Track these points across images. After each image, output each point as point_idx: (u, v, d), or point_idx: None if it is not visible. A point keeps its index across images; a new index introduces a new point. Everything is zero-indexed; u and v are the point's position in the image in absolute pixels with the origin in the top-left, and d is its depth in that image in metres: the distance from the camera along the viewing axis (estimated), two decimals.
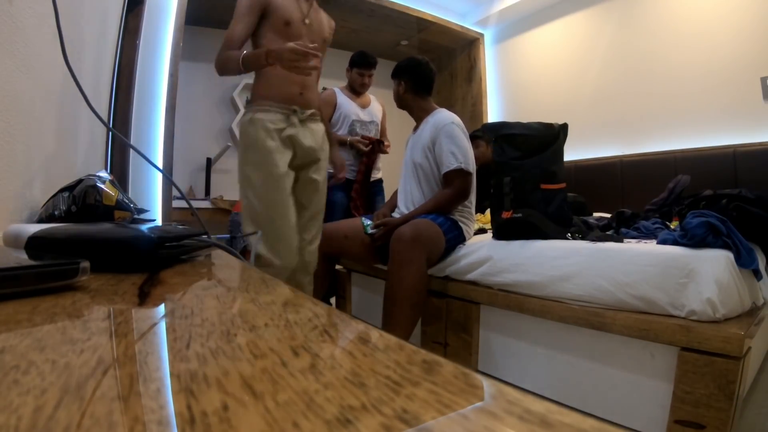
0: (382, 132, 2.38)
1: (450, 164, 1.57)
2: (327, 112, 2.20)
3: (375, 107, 2.34)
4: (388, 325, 1.44)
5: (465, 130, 1.66)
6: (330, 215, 2.20)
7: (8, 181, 0.64)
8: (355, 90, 2.29)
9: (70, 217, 0.68)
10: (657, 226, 1.48)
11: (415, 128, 1.78)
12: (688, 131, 2.59)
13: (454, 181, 1.59)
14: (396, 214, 1.77)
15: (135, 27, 2.23)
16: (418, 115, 1.74)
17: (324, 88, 2.37)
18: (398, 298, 1.42)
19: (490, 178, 1.61)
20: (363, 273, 2.02)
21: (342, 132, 2.24)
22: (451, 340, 1.58)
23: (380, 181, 2.38)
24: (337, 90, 2.30)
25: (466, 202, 1.66)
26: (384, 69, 4.19)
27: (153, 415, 0.12)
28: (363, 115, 2.25)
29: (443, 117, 1.66)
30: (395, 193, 1.88)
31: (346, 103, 2.25)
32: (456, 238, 1.60)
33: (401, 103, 1.77)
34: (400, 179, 1.83)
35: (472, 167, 1.61)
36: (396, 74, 1.76)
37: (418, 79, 1.73)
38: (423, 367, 0.16)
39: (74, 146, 1.12)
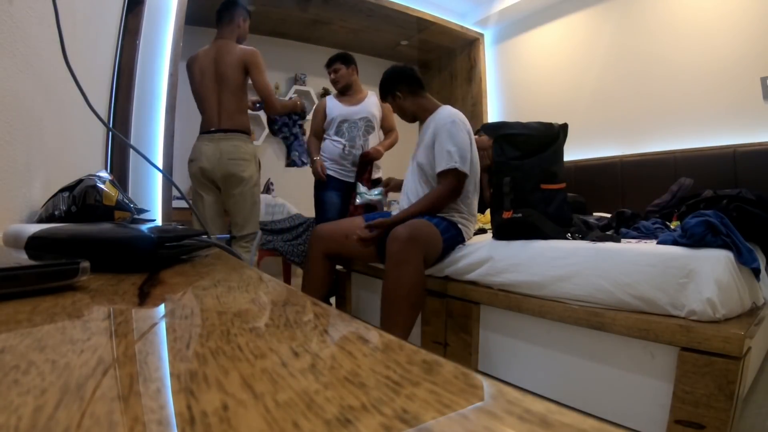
0: (388, 126, 2.39)
1: (445, 163, 1.55)
2: (319, 119, 2.35)
3: (369, 103, 2.34)
4: (386, 326, 1.43)
5: (468, 127, 1.64)
6: (323, 214, 2.22)
7: (8, 181, 0.64)
8: (341, 91, 2.35)
9: (70, 217, 0.68)
10: (657, 226, 1.49)
11: (420, 128, 1.78)
12: (688, 131, 2.59)
13: (447, 180, 1.57)
14: (396, 211, 1.77)
15: (135, 27, 2.23)
16: (423, 116, 1.73)
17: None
18: (396, 298, 1.42)
19: (490, 177, 1.61)
20: (363, 273, 2.02)
21: (332, 132, 2.30)
22: (451, 340, 1.58)
23: (380, 180, 2.38)
24: (328, 97, 2.39)
25: (465, 203, 1.65)
26: (383, 69, 4.22)
27: (153, 415, 0.12)
28: (350, 114, 2.28)
29: (445, 114, 1.64)
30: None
31: (333, 107, 2.32)
32: (454, 238, 1.60)
33: (406, 113, 1.75)
34: (406, 176, 1.82)
35: (468, 167, 1.58)
36: (387, 91, 1.73)
37: (408, 80, 1.73)
38: (423, 367, 0.16)
39: (74, 146, 1.12)
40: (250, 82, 1.90)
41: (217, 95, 1.84)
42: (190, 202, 2.11)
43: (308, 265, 1.78)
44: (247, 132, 1.89)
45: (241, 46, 1.88)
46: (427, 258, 1.51)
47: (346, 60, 2.31)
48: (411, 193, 1.71)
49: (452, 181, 1.56)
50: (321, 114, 2.34)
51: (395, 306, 1.42)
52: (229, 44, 1.86)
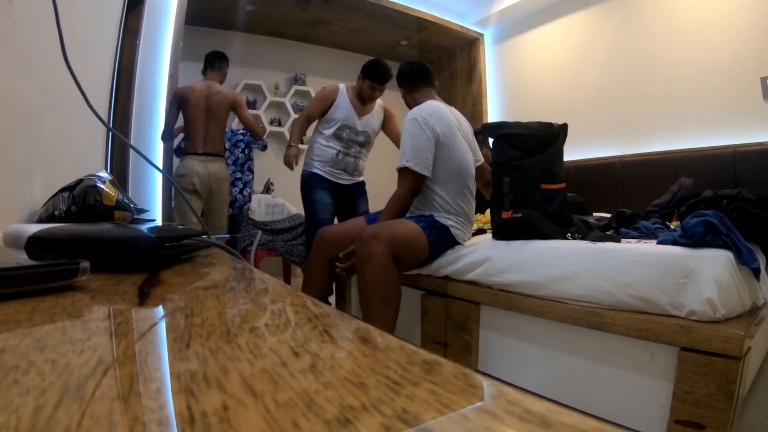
0: (396, 137, 2.31)
1: (399, 161, 1.53)
2: (320, 107, 2.18)
3: (373, 116, 2.26)
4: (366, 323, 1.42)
5: (432, 124, 1.55)
6: (314, 215, 2.16)
7: (8, 181, 0.64)
8: (363, 99, 2.19)
9: (70, 217, 0.68)
10: (657, 226, 1.49)
11: None
12: (688, 131, 2.59)
13: (401, 179, 1.54)
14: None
15: (135, 27, 2.23)
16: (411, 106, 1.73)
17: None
18: (366, 295, 1.42)
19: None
20: None
21: (329, 132, 2.17)
22: (451, 340, 1.58)
23: (362, 183, 2.36)
24: (342, 88, 2.20)
25: (456, 204, 1.60)
26: None
27: (153, 415, 0.12)
28: (358, 124, 2.19)
29: (412, 111, 1.60)
30: None
31: (345, 107, 2.17)
32: (443, 238, 1.56)
33: (409, 108, 1.77)
34: None
35: (423, 166, 1.52)
36: (399, 85, 1.79)
37: (408, 76, 1.74)
38: (423, 367, 0.16)
39: (74, 146, 1.12)
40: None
41: (205, 124, 2.34)
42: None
43: (310, 266, 1.77)
44: (223, 155, 2.49)
45: (228, 90, 2.49)
46: (403, 255, 1.47)
47: (387, 79, 2.12)
48: None
49: (406, 180, 1.54)
50: (327, 102, 2.17)
51: (367, 303, 1.42)
52: (216, 86, 2.43)
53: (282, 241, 2.68)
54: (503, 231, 1.50)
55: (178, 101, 2.33)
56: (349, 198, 2.28)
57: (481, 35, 3.97)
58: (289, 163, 2.20)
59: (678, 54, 2.67)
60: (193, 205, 2.30)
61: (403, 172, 1.54)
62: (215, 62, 2.44)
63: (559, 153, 1.51)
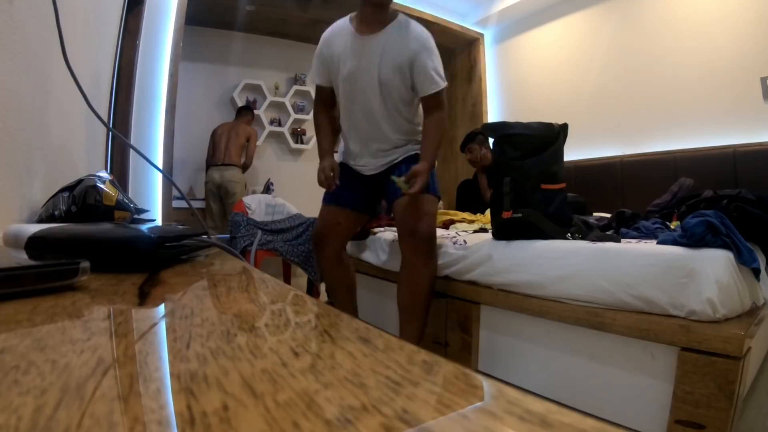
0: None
1: (438, 85, 1.41)
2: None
3: None
4: (415, 320, 1.45)
5: None
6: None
7: (8, 181, 0.64)
8: None
9: (70, 217, 0.68)
10: (657, 226, 1.49)
11: (369, 31, 1.42)
12: (688, 131, 2.59)
13: (439, 102, 1.46)
14: (361, 159, 1.55)
15: (135, 27, 2.23)
16: (384, 16, 1.42)
17: None
18: (420, 296, 1.44)
19: (489, 177, 1.60)
20: (364, 273, 2.02)
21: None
22: (451, 340, 1.58)
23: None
24: None
25: None
26: None
27: (153, 415, 0.12)
28: None
29: (421, 30, 1.45)
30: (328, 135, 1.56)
31: None
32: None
33: None
34: (340, 101, 1.51)
35: None
36: None
37: None
38: (423, 367, 0.16)
39: (74, 146, 1.12)
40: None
41: (226, 144, 3.24)
42: (190, 202, 2.14)
43: (328, 276, 1.65)
44: (239, 165, 3.27)
45: (248, 127, 3.40)
46: None
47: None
48: (374, 124, 1.47)
49: (443, 101, 1.46)
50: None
51: (426, 299, 1.45)
52: (241, 125, 3.36)
53: (282, 241, 2.68)
54: (503, 231, 1.50)
55: (213, 133, 3.34)
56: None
57: (481, 35, 3.97)
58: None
59: (678, 54, 2.67)
60: (213, 207, 3.21)
61: (442, 93, 1.44)
62: (243, 111, 3.48)
63: (560, 153, 1.50)
